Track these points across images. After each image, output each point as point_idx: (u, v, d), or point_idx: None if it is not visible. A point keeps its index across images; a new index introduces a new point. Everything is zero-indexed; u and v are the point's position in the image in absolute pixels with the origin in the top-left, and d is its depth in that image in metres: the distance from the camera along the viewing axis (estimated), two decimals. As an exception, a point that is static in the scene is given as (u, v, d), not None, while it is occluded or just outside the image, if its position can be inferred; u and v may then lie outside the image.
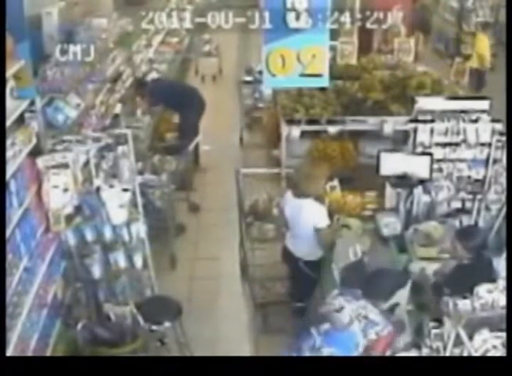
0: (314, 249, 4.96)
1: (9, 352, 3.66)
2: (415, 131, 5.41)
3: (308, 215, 4.83)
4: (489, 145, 5.34)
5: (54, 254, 4.66)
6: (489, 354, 3.27)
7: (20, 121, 4.31)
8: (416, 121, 5.45)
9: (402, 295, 4.01)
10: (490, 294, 3.52)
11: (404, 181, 5.23)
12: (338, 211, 5.52)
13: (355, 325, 3.59)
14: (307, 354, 3.64)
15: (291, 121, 7.40)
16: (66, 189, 4.47)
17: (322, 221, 4.83)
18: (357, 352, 3.58)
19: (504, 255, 4.12)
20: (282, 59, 4.89)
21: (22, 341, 3.95)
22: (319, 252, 4.99)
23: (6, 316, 3.61)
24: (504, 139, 5.22)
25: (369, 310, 3.65)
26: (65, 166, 4.46)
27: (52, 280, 4.63)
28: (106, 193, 4.76)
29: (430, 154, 5.29)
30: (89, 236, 4.79)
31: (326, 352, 3.57)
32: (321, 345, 3.58)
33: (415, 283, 4.23)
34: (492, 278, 3.78)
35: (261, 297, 5.56)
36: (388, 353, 3.71)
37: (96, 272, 4.76)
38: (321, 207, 4.88)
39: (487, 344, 3.28)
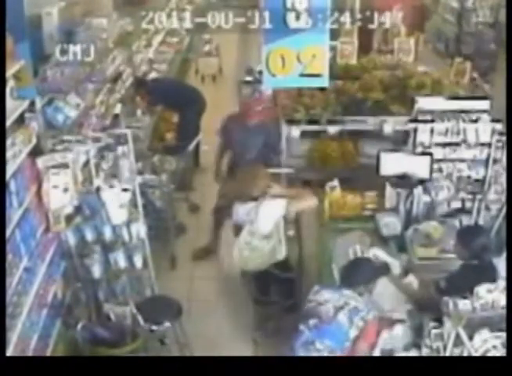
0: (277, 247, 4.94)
1: (9, 352, 3.66)
2: (415, 131, 5.41)
3: (267, 209, 4.83)
4: (489, 145, 5.34)
5: (54, 254, 4.66)
6: (489, 354, 3.27)
7: (20, 121, 4.31)
8: (416, 121, 5.45)
9: (385, 284, 4.04)
10: (490, 294, 3.53)
11: (404, 181, 5.24)
12: (338, 211, 5.52)
13: (341, 315, 3.63)
14: (300, 351, 3.69)
15: (291, 121, 7.40)
16: (66, 189, 4.47)
17: (282, 209, 4.84)
18: (348, 342, 3.60)
19: (504, 255, 4.12)
20: (282, 59, 4.88)
21: (22, 341, 3.95)
22: (283, 250, 4.96)
23: (6, 316, 3.61)
24: (504, 139, 5.22)
25: (351, 298, 3.69)
26: (65, 166, 4.46)
27: (52, 280, 4.63)
28: (106, 193, 4.76)
29: (430, 154, 5.29)
30: (89, 236, 4.79)
31: (319, 345, 3.59)
32: (313, 340, 3.62)
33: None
34: (493, 278, 3.78)
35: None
36: (385, 349, 3.73)
37: (96, 272, 4.76)
38: (276, 200, 4.89)
39: (487, 344, 3.29)
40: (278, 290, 5.24)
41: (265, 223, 4.84)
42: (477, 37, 13.04)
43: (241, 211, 4.96)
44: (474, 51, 12.31)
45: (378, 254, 4.48)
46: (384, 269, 4.07)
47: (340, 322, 3.63)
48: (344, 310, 3.65)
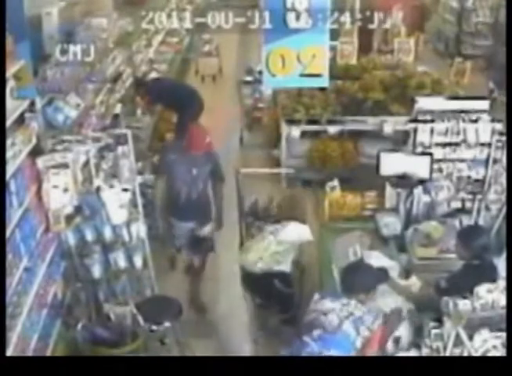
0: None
1: (9, 352, 3.66)
2: (415, 131, 5.41)
3: (293, 231, 5.00)
4: (489, 145, 5.34)
5: (54, 254, 4.66)
6: (489, 354, 3.27)
7: (20, 121, 4.31)
8: (416, 121, 5.45)
9: (386, 290, 4.02)
10: (490, 294, 3.53)
11: (404, 181, 5.24)
12: (338, 211, 5.52)
13: (346, 324, 3.60)
14: None
15: (291, 121, 7.41)
16: (66, 189, 4.47)
17: (308, 235, 5.06)
18: (355, 351, 3.59)
19: (504, 255, 4.12)
20: (282, 59, 4.88)
21: (22, 341, 3.95)
22: (289, 263, 5.05)
23: (6, 315, 3.61)
24: (504, 139, 5.22)
25: (354, 307, 3.66)
26: (65, 166, 4.46)
27: (52, 280, 4.63)
28: (106, 193, 4.76)
29: (430, 154, 5.29)
30: (89, 236, 4.79)
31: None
32: (319, 351, 3.57)
33: None
34: (493, 278, 3.78)
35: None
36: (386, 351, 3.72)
37: (96, 272, 4.76)
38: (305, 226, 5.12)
39: (487, 344, 3.29)
40: (278, 302, 5.26)
41: (287, 234, 4.97)
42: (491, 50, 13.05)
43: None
44: (488, 63, 12.34)
45: (376, 260, 4.44)
46: (383, 276, 4.04)
47: (346, 331, 3.58)
48: (349, 320, 3.61)
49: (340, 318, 3.62)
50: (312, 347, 3.58)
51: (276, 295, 5.11)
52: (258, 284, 5.20)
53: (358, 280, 3.82)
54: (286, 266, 5.02)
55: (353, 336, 3.59)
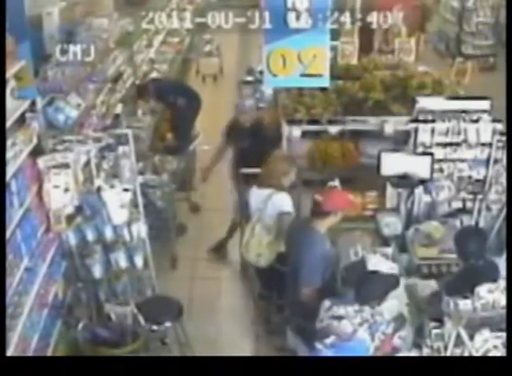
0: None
1: (10, 352, 3.66)
2: (416, 131, 5.41)
3: (275, 201, 4.97)
4: (490, 145, 5.34)
5: (55, 254, 4.67)
6: (490, 354, 3.27)
7: (21, 121, 4.32)
8: (416, 121, 5.45)
9: (396, 295, 4.01)
10: (490, 294, 3.53)
11: (405, 181, 5.23)
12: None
13: (361, 331, 3.57)
14: None
15: (292, 121, 7.40)
16: (66, 189, 4.47)
17: (287, 206, 4.97)
18: (368, 354, 3.57)
19: (504, 255, 4.12)
20: (282, 59, 4.88)
21: (22, 340, 3.96)
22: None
23: (7, 315, 3.61)
24: (505, 139, 5.22)
25: (368, 313, 3.64)
26: (66, 166, 4.46)
27: (53, 280, 4.63)
28: (106, 193, 4.76)
29: (431, 154, 5.29)
30: (90, 236, 4.80)
31: None
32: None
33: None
34: (493, 278, 3.78)
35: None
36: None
37: (97, 272, 4.76)
38: (286, 195, 5.04)
39: (487, 344, 3.29)
40: (279, 285, 5.24)
41: (270, 215, 4.93)
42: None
43: (256, 197, 5.08)
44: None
45: (380, 265, 4.40)
46: (394, 282, 4.01)
47: (361, 338, 3.56)
48: (364, 326, 3.58)
49: (355, 325, 3.58)
50: (325, 354, 3.56)
51: (278, 278, 5.08)
52: (259, 274, 5.30)
53: (371, 290, 3.78)
54: (282, 247, 4.98)
55: (368, 342, 3.56)
